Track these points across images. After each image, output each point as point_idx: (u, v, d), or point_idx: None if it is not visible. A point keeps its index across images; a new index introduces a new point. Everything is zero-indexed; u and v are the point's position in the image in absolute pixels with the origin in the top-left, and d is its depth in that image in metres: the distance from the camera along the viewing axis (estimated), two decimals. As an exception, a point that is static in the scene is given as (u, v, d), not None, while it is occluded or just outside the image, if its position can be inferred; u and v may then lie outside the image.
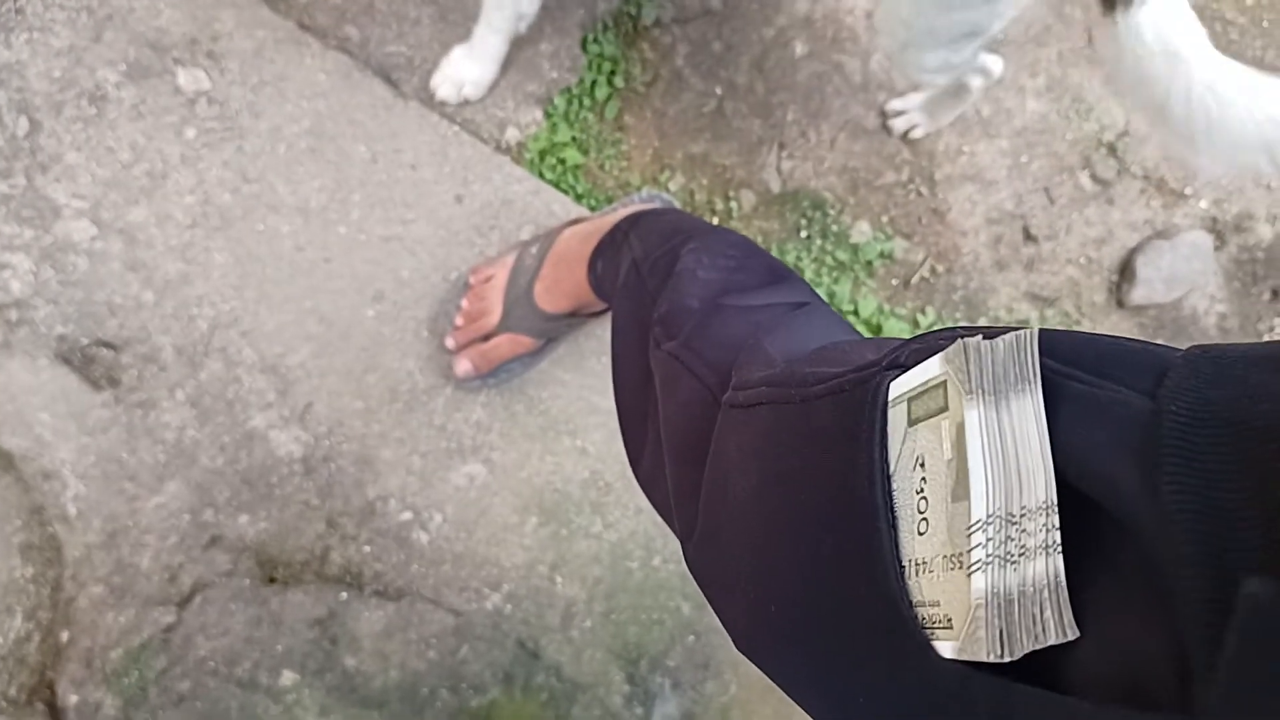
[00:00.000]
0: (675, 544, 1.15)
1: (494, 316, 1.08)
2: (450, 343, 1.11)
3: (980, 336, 0.32)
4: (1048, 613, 0.28)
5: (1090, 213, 1.27)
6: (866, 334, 1.20)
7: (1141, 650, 0.27)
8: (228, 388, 1.11)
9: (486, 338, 1.09)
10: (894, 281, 1.25)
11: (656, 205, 1.09)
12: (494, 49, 1.12)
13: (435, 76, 1.16)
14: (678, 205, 1.16)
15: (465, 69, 1.14)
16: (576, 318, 1.08)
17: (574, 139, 1.19)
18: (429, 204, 1.15)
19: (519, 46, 1.18)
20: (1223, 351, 0.28)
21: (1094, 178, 1.27)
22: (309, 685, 1.09)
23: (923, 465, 0.32)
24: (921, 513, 0.32)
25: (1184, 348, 0.29)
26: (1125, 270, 1.26)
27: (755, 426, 0.46)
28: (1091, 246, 1.27)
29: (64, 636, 1.11)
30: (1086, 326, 1.25)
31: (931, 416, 0.32)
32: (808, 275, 1.22)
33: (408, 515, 1.12)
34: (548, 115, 1.19)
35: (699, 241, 0.69)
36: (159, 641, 1.08)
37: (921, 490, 0.32)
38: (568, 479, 1.15)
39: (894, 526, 0.34)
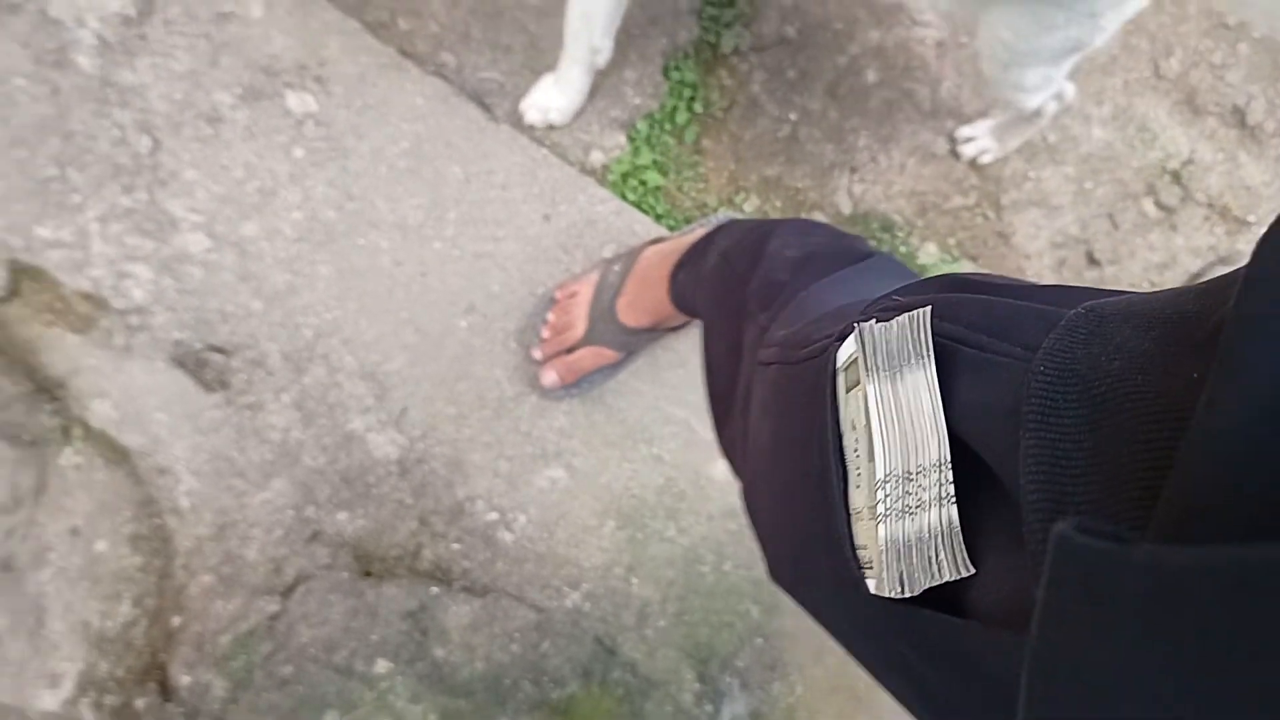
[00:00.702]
0: (745, 550, 1.21)
1: (578, 330, 1.14)
2: (537, 354, 1.17)
3: (874, 321, 0.37)
4: (942, 555, 0.33)
5: (1154, 238, 1.30)
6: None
7: (1025, 584, 0.30)
8: (329, 392, 1.19)
9: (571, 350, 1.15)
10: (959, 302, 1.29)
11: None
12: (576, 79, 1.18)
13: (524, 102, 1.22)
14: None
15: (551, 97, 1.20)
16: (656, 331, 1.14)
17: (655, 162, 1.25)
18: (518, 222, 1.22)
19: (604, 74, 1.24)
20: (1105, 308, 0.31)
21: (1158, 204, 1.30)
22: (401, 673, 1.16)
23: (853, 427, 0.38)
24: (856, 469, 0.38)
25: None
26: (1186, 294, 1.29)
27: (767, 384, 0.52)
28: (1154, 271, 1.30)
29: (175, 622, 1.19)
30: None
31: (854, 387, 0.38)
32: (876, 294, 1.27)
33: (494, 515, 1.19)
34: (630, 139, 1.25)
35: (786, 226, 0.75)
36: (264, 628, 1.16)
37: (855, 449, 0.38)
38: (644, 485, 1.21)
39: (844, 479, 0.39)
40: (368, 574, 1.18)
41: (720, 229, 0.95)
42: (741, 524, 1.22)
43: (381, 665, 1.16)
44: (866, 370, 0.36)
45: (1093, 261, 1.30)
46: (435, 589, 1.18)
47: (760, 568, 1.21)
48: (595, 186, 1.23)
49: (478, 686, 1.17)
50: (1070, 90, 1.16)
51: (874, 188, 1.29)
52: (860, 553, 0.38)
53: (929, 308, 0.36)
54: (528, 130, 1.23)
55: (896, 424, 0.35)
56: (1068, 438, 0.28)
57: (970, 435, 0.33)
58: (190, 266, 1.18)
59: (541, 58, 1.24)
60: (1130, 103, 1.31)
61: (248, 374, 1.18)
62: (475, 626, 1.17)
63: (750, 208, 1.27)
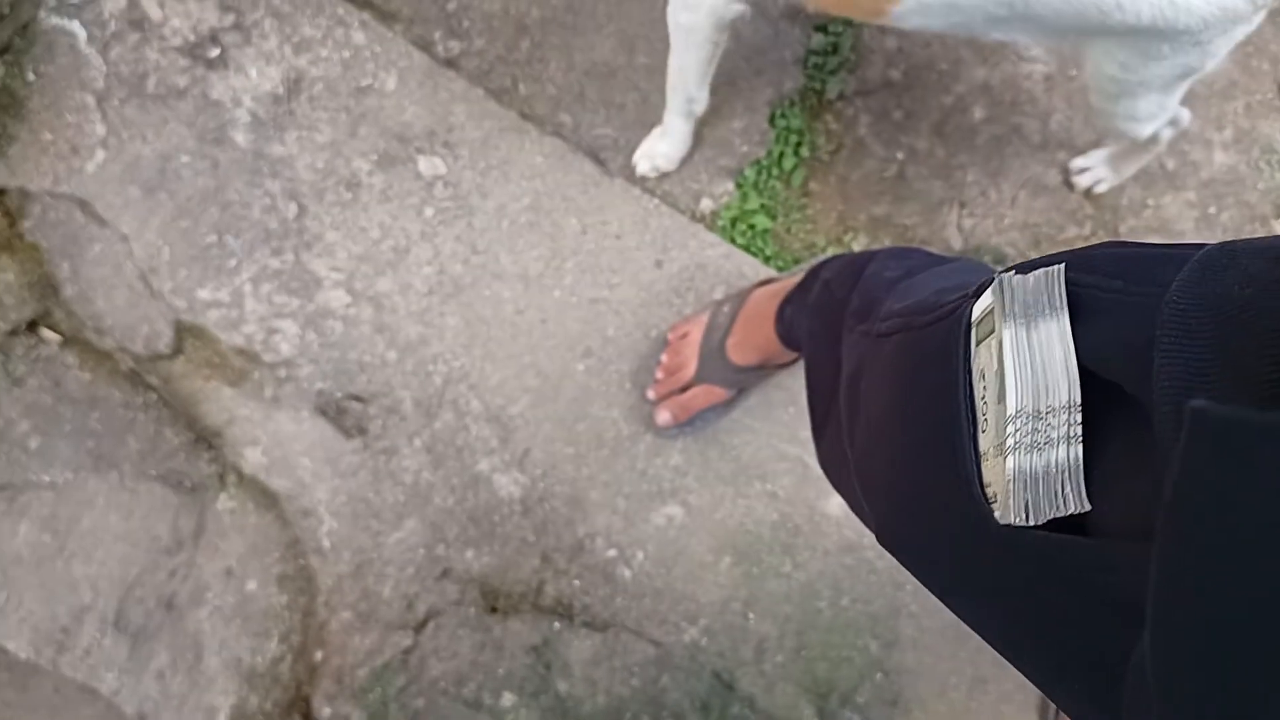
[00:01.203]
0: (863, 584, 1.21)
1: (690, 370, 1.18)
2: (651, 394, 1.21)
3: (1014, 272, 0.39)
4: (1068, 489, 0.36)
5: (1286, 261, 1.26)
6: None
7: (1146, 508, 0.32)
8: (457, 435, 1.25)
9: (684, 389, 1.19)
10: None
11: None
12: (679, 129, 1.24)
13: (635, 154, 1.28)
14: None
15: (658, 146, 1.26)
16: (765, 369, 1.16)
17: (763, 206, 1.29)
18: (632, 269, 1.27)
19: (711, 125, 1.29)
20: (1238, 245, 0.33)
21: (1289, 226, 1.26)
22: (526, 706, 1.20)
23: (983, 376, 0.41)
24: (983, 415, 0.40)
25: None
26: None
27: (889, 351, 0.55)
28: (1289, 295, 1.25)
29: (318, 656, 1.27)
30: None
31: (987, 338, 0.41)
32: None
33: (613, 552, 1.23)
34: (739, 185, 1.30)
35: (883, 253, 0.78)
36: (398, 662, 1.22)
37: (983, 397, 0.41)
38: (759, 521, 1.23)
39: (973, 424, 0.41)
40: (494, 609, 1.23)
41: (823, 263, 0.98)
42: (856, 559, 1.21)
43: (507, 698, 1.20)
44: (1004, 317, 0.39)
45: (1221, 288, 1.26)
46: (557, 624, 1.21)
47: (880, 602, 1.21)
48: (705, 232, 1.28)
49: (600, 720, 1.19)
50: (1185, 116, 1.14)
51: (984, 222, 1.29)
52: (987, 489, 0.40)
53: (1064, 264, 0.39)
54: (640, 182, 1.29)
55: (1030, 367, 0.37)
56: (1199, 355, 0.30)
57: (1106, 369, 0.36)
58: (332, 321, 1.27)
59: (652, 113, 1.30)
60: (1253, 125, 1.28)
61: (383, 420, 1.26)
62: (596, 661, 1.20)
63: (859, 246, 1.29)
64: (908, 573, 0.55)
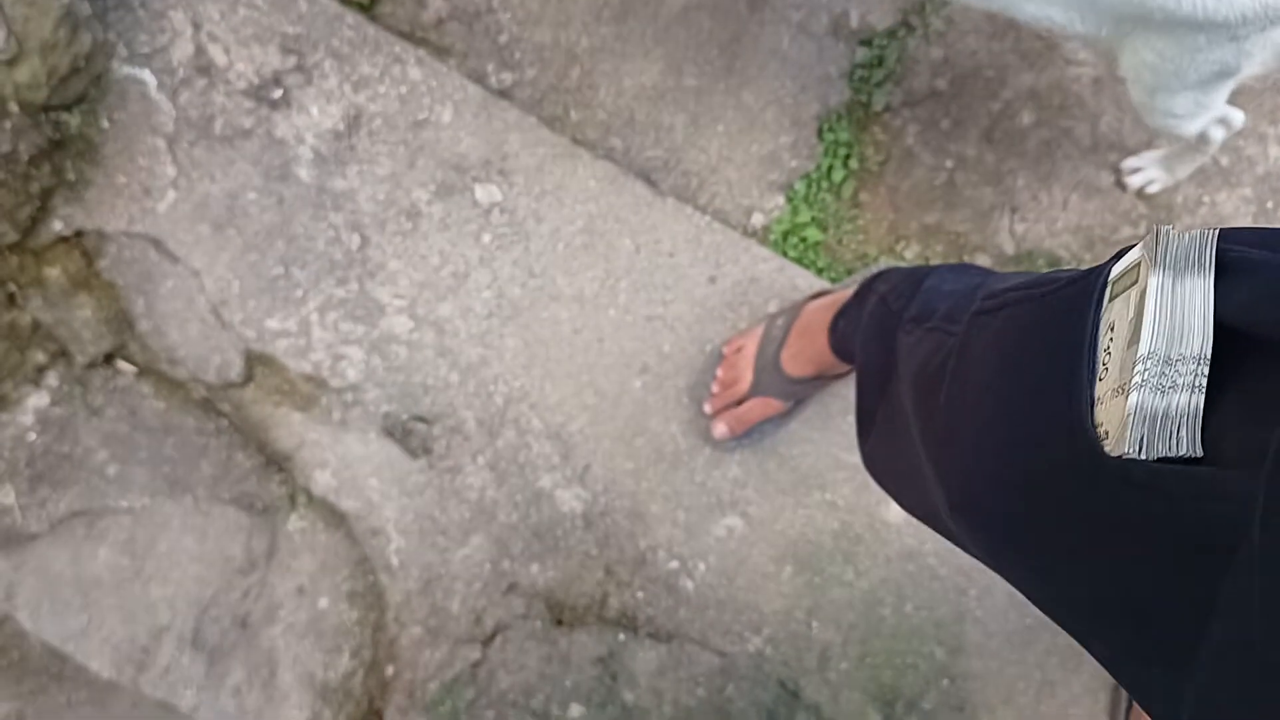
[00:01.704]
0: (925, 591, 1.21)
1: (745, 383, 1.20)
2: (708, 408, 1.23)
3: (1172, 227, 0.42)
4: (1183, 433, 0.38)
5: (1349, 255, 1.24)
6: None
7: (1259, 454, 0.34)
8: (519, 453, 1.28)
9: (740, 402, 1.20)
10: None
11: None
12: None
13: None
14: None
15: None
16: (820, 380, 1.18)
17: (814, 219, 1.31)
18: (685, 285, 1.29)
19: (760, 141, 1.31)
20: None
21: (1350, 219, 1.24)
22: (593, 717, 1.22)
23: (1111, 329, 0.43)
24: (1105, 364, 0.43)
25: None
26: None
27: (999, 323, 0.57)
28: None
29: (389, 671, 1.30)
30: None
31: (1125, 291, 0.43)
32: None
33: (675, 564, 1.24)
34: (789, 199, 1.31)
35: (944, 267, 0.79)
36: (468, 675, 1.25)
37: (1107, 348, 0.43)
38: (819, 530, 1.23)
39: (1093, 371, 0.44)
40: (559, 622, 1.25)
41: (878, 276, 1.00)
42: (919, 565, 1.21)
43: (575, 710, 1.22)
44: (1154, 265, 0.41)
45: (1282, 284, 1.25)
46: (622, 635, 1.23)
47: (944, 608, 1.21)
48: (757, 246, 1.29)
49: (667, 731, 1.21)
50: (1239, 118, 1.14)
51: (1037, 226, 1.29)
52: (1098, 429, 0.42)
53: (1218, 230, 0.42)
54: (692, 199, 1.32)
55: (1169, 315, 0.40)
56: None
57: (1253, 321, 0.38)
58: (396, 346, 1.31)
59: (700, 133, 1.33)
60: (1309, 118, 1.27)
61: (447, 440, 1.30)
62: (662, 671, 1.22)
63: (911, 254, 1.30)
64: (972, 577, 0.56)
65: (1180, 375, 0.38)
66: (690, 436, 1.26)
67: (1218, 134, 1.13)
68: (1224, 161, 1.27)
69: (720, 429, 1.21)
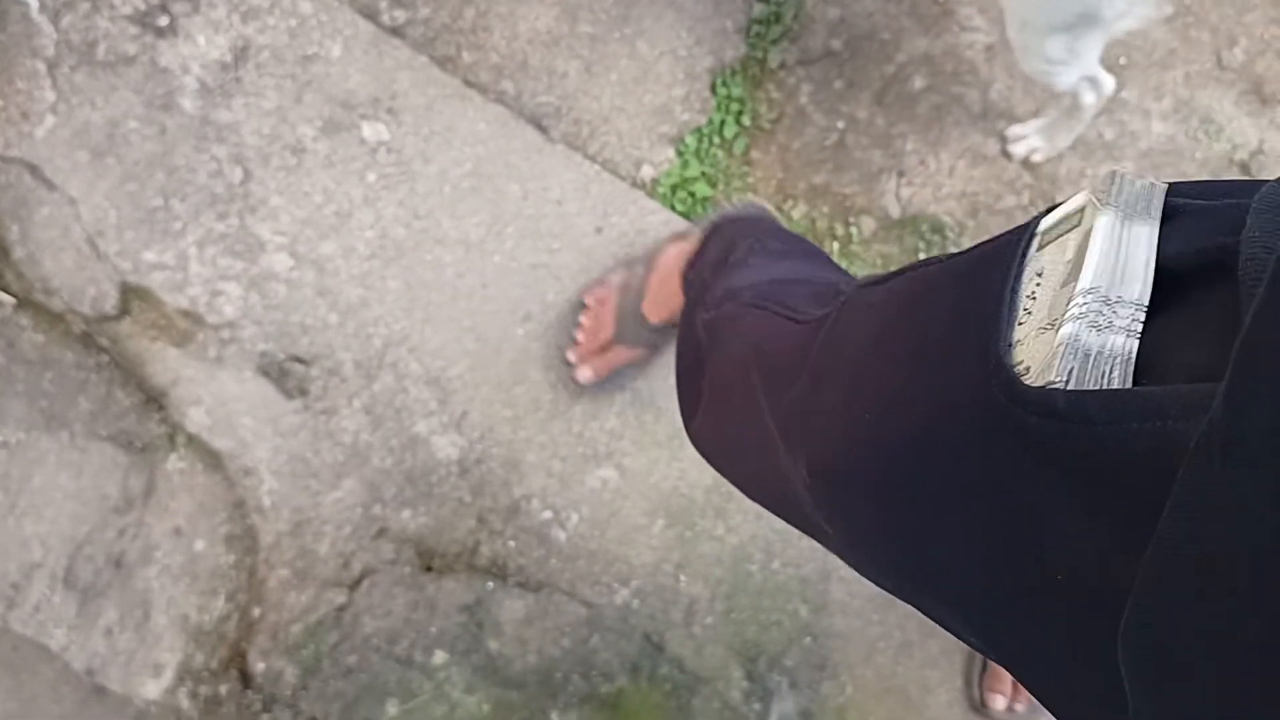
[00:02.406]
0: (794, 549, 1.22)
1: (608, 332, 1.20)
2: (571, 356, 1.23)
3: (1129, 173, 0.42)
4: (1115, 374, 0.37)
5: (1223, 232, 1.26)
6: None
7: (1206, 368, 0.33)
8: (396, 397, 1.27)
9: (603, 350, 1.20)
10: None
11: (750, 213, 1.18)
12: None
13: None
14: (770, 209, 1.24)
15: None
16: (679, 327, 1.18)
17: (704, 174, 1.30)
18: (572, 235, 1.28)
19: (653, 93, 1.30)
20: None
21: (1225, 196, 1.26)
22: (457, 664, 1.21)
23: (1039, 275, 0.43)
24: (1027, 309, 0.42)
25: None
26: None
27: (889, 292, 0.56)
28: (1226, 265, 1.25)
29: (256, 613, 1.28)
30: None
31: (1060, 236, 0.43)
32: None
33: (548, 514, 1.24)
34: (679, 153, 1.30)
35: (754, 237, 0.79)
36: (332, 619, 1.24)
37: (1032, 294, 0.42)
38: (693, 485, 1.24)
39: (1012, 314, 0.42)
40: (428, 569, 1.24)
41: (715, 232, 1.01)
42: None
43: (439, 656, 1.21)
44: (1107, 204, 0.41)
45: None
46: (491, 584, 1.23)
47: (810, 566, 1.22)
48: (645, 199, 1.28)
49: (530, 679, 1.21)
50: (1109, 82, 1.15)
51: (923, 190, 1.30)
52: (1017, 366, 0.41)
53: (1167, 184, 0.42)
54: (581, 148, 1.30)
55: (1114, 256, 0.40)
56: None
57: (1201, 251, 0.38)
58: (275, 284, 1.29)
59: (594, 82, 1.31)
60: (1192, 95, 1.28)
61: (324, 381, 1.28)
62: (528, 621, 1.22)
63: (798, 214, 1.30)
64: None
65: (1118, 318, 0.38)
66: (570, 387, 1.26)
67: (1089, 97, 1.14)
68: (1108, 135, 1.28)
69: (584, 373, 1.21)
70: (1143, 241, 0.39)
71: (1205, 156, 1.27)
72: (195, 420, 1.30)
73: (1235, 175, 1.27)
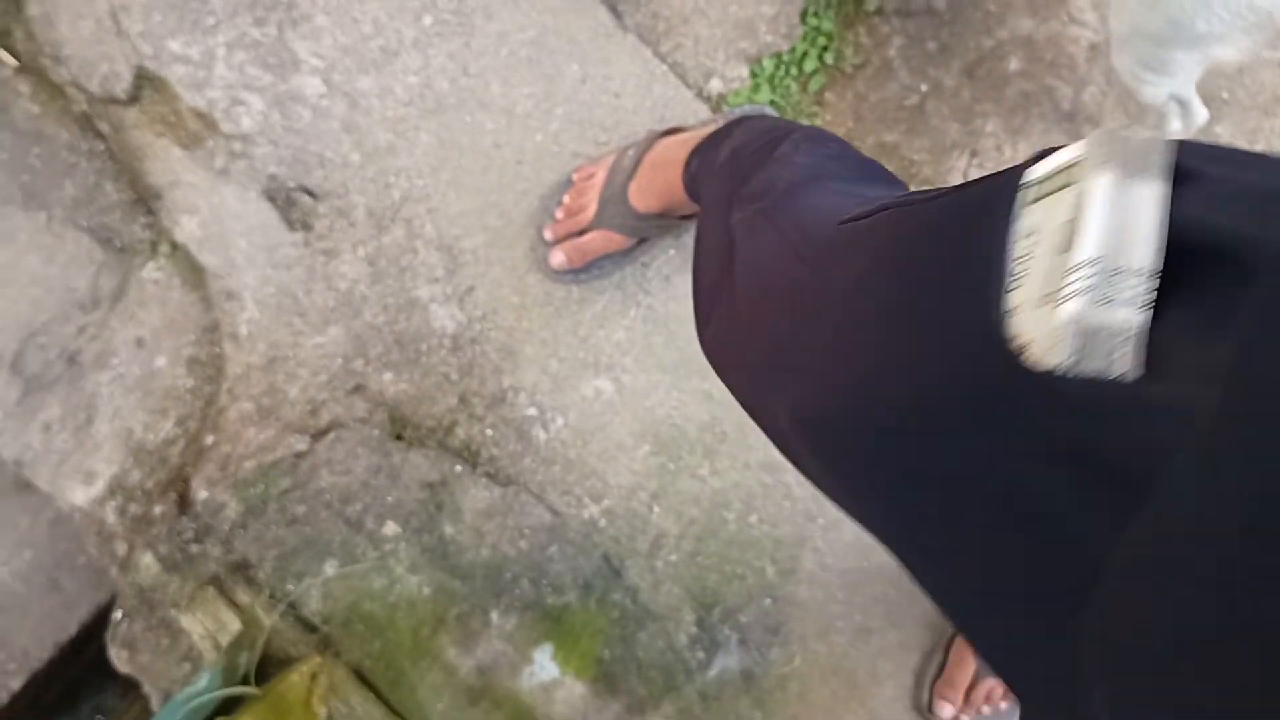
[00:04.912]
0: (775, 507, 1.17)
1: (590, 213, 1.13)
2: (548, 235, 1.15)
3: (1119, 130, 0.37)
4: (1120, 352, 0.34)
5: None
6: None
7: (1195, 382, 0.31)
8: (403, 255, 1.20)
9: (582, 232, 1.13)
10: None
11: (771, 115, 1.12)
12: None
13: None
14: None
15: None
16: (666, 219, 1.11)
17: (773, 102, 1.23)
18: (623, 131, 1.21)
19: (741, 5, 1.22)
20: None
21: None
22: (407, 540, 1.16)
23: (1030, 235, 0.38)
24: (1019, 273, 0.38)
25: None
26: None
27: (872, 228, 0.51)
28: None
29: (208, 440, 1.22)
30: None
31: (1053, 193, 0.38)
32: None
33: (533, 411, 1.18)
34: (753, 74, 1.23)
35: (801, 133, 0.73)
36: (289, 464, 1.17)
37: (1023, 255, 0.38)
38: (688, 418, 1.18)
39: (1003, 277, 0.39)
40: (399, 437, 1.18)
41: (738, 123, 0.94)
42: (776, 479, 1.18)
43: (391, 528, 1.16)
44: (1104, 163, 0.37)
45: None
46: (459, 467, 1.17)
47: (788, 528, 1.18)
48: (707, 113, 1.21)
49: (477, 573, 1.16)
50: (1202, 114, 1.09)
51: (991, 175, 1.24)
52: (1014, 343, 0.38)
53: (1175, 141, 0.38)
54: (653, 44, 1.23)
55: (1116, 219, 0.36)
56: None
57: (1211, 231, 0.35)
58: (301, 107, 1.20)
59: (683, -23, 1.23)
60: (1285, 145, 1.23)
61: (331, 220, 1.20)
62: (489, 514, 1.16)
63: (859, 169, 1.24)
64: (824, 506, 0.51)
65: (1125, 289, 0.35)
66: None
67: (1176, 123, 1.08)
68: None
69: (559, 258, 1.14)
70: (1151, 203, 0.35)
71: (1281, 210, 1.23)
72: (186, 229, 1.22)
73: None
